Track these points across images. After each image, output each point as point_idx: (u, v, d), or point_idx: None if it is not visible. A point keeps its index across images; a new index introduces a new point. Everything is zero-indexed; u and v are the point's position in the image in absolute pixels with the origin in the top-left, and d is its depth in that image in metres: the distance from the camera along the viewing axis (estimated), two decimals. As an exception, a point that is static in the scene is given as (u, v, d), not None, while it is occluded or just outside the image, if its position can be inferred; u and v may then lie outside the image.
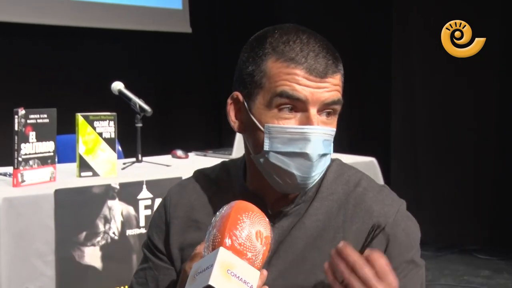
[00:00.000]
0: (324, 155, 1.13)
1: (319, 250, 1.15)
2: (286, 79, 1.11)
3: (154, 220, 1.32)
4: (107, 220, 2.26)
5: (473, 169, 4.65)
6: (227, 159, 1.38)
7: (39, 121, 2.27)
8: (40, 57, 4.64)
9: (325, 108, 1.13)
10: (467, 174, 4.66)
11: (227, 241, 1.00)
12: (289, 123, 1.12)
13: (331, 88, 1.12)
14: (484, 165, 4.64)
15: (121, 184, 2.32)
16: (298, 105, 1.11)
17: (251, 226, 1.03)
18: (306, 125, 1.11)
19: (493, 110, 4.61)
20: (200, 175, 1.31)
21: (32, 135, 2.24)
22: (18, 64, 4.54)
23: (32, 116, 2.24)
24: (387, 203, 1.18)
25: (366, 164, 3.02)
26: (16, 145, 2.20)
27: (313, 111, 1.11)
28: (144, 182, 2.38)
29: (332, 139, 1.15)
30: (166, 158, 3.00)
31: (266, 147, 1.13)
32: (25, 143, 2.21)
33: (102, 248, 2.25)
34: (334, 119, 1.15)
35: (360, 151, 3.29)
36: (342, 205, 1.18)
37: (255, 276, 1.00)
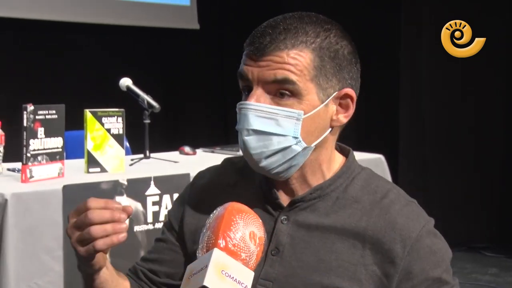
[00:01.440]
0: (261, 132, 1.11)
1: (336, 255, 1.13)
2: (242, 61, 1.14)
3: (176, 199, 1.36)
4: (115, 216, 2.27)
5: (480, 166, 4.65)
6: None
7: (47, 117, 2.27)
8: (49, 53, 4.65)
9: (274, 88, 1.11)
10: (474, 171, 4.65)
11: (221, 242, 1.01)
12: None
13: (273, 66, 1.09)
14: (492, 163, 4.64)
15: (129, 180, 2.32)
16: (250, 86, 1.13)
17: (244, 227, 1.04)
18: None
19: (502, 108, 4.60)
20: (228, 163, 1.32)
21: (40, 131, 2.25)
22: (27, 60, 4.56)
23: (40, 112, 2.25)
24: (412, 218, 1.14)
25: (374, 161, 3.01)
26: (24, 141, 2.20)
27: (256, 90, 1.11)
28: (152, 178, 2.38)
29: (278, 117, 1.10)
30: (174, 155, 3.01)
31: None
32: (33, 139, 2.22)
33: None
34: (292, 101, 1.10)
35: (368, 148, 3.28)
36: (366, 213, 1.15)
37: (249, 276, 1.01)
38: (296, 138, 1.11)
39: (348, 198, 1.17)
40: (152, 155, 2.82)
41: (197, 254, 1.06)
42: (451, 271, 1.16)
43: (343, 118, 1.17)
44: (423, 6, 4.70)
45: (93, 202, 1.06)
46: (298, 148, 1.12)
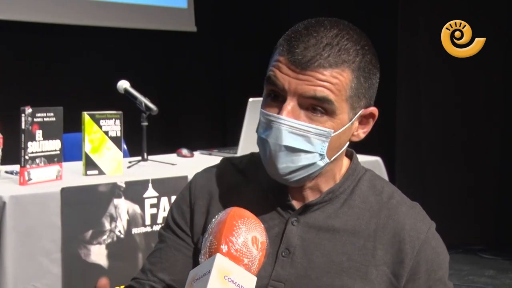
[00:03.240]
0: (292, 148, 1.10)
1: (348, 256, 1.14)
2: (273, 65, 1.12)
3: (177, 202, 1.30)
4: (113, 219, 2.27)
5: (477, 169, 4.65)
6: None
7: (45, 119, 2.28)
8: (47, 56, 4.65)
9: (309, 102, 1.09)
10: (471, 173, 4.66)
11: (224, 248, 1.02)
12: (271, 110, 1.12)
13: (314, 82, 1.08)
14: (489, 165, 4.65)
15: (127, 183, 2.33)
16: (280, 93, 1.11)
17: (247, 232, 1.04)
18: (276, 113, 1.11)
19: (498, 110, 4.61)
20: (228, 163, 1.30)
21: (38, 133, 2.25)
22: (24, 62, 4.56)
23: (38, 114, 2.25)
24: (419, 219, 1.17)
25: (371, 163, 3.02)
26: (23, 143, 2.21)
27: (289, 102, 1.09)
28: (150, 181, 2.39)
29: (310, 135, 1.10)
30: (171, 157, 3.01)
31: (257, 129, 1.16)
32: (31, 141, 2.23)
33: (108, 246, 2.26)
34: (325, 119, 1.10)
35: (365, 150, 3.29)
36: (374, 214, 1.17)
37: (252, 281, 1.01)
38: (322, 155, 1.13)
39: (356, 199, 1.19)
40: (150, 157, 2.82)
41: (199, 260, 1.06)
42: (448, 274, 1.20)
43: (362, 134, 1.20)
44: (420, 8, 4.71)
45: None
46: (321, 164, 1.14)
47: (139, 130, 2.78)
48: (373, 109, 1.17)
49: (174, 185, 2.42)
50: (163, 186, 2.40)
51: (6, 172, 2.43)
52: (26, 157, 2.21)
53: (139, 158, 2.79)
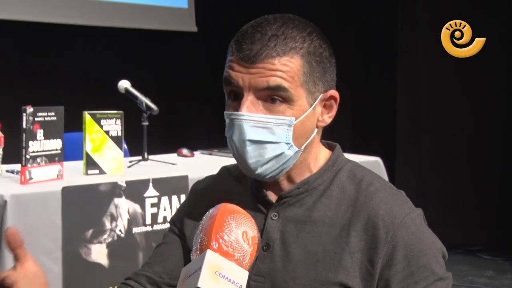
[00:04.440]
0: (256, 142, 1.12)
1: (323, 247, 1.14)
2: (227, 67, 1.16)
3: (181, 205, 1.38)
4: (113, 218, 2.28)
5: (477, 169, 4.66)
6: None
7: (46, 119, 2.28)
8: (48, 55, 4.65)
9: (265, 94, 1.12)
10: (471, 174, 4.66)
11: (214, 244, 1.02)
12: (232, 110, 1.15)
13: (265, 73, 1.10)
14: (489, 165, 4.65)
15: (127, 182, 2.33)
16: (238, 91, 1.14)
17: (237, 228, 1.05)
18: (236, 111, 1.13)
19: (499, 109, 4.61)
20: (225, 171, 1.34)
21: (39, 132, 2.25)
22: (26, 62, 4.56)
23: (40, 114, 2.25)
24: (396, 205, 1.15)
25: (371, 163, 3.03)
26: (24, 142, 2.21)
27: (247, 97, 1.12)
28: (151, 180, 2.39)
29: (272, 126, 1.12)
30: (172, 157, 3.02)
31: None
32: (32, 140, 2.23)
33: (109, 245, 2.27)
34: (284, 107, 1.12)
35: (365, 151, 3.29)
36: (352, 203, 1.17)
37: (243, 276, 1.02)
38: (288, 143, 1.14)
39: (334, 190, 1.19)
40: (151, 157, 2.82)
41: (191, 257, 1.06)
42: (442, 263, 1.15)
43: (328, 118, 1.19)
44: (420, 8, 4.71)
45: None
46: (290, 153, 1.15)
47: (140, 129, 2.79)
48: (333, 92, 1.18)
49: (175, 184, 2.43)
50: (163, 185, 2.41)
51: (7, 171, 2.43)
52: (27, 156, 2.21)
53: (140, 157, 2.79)
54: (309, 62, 1.13)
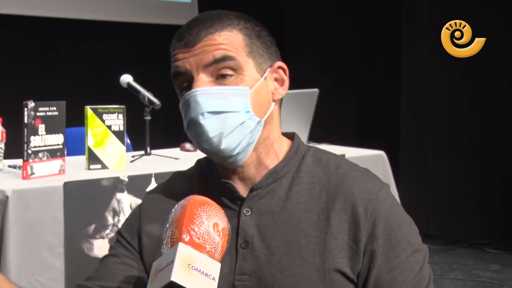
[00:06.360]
0: (215, 112, 1.12)
1: (304, 233, 1.13)
2: (172, 61, 1.18)
3: (127, 219, 1.31)
4: (116, 213, 2.27)
5: (482, 163, 4.64)
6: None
7: (48, 113, 2.27)
8: (50, 50, 4.65)
9: (214, 68, 1.13)
10: (476, 168, 4.65)
11: (186, 236, 1.01)
12: None
13: (209, 49, 1.13)
14: (494, 159, 4.63)
15: (130, 177, 2.32)
16: (188, 80, 1.15)
17: (207, 219, 1.03)
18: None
19: (503, 103, 4.60)
20: (177, 175, 1.34)
21: (41, 127, 2.25)
22: (27, 57, 4.56)
23: (41, 108, 2.25)
24: (369, 181, 1.17)
25: (375, 157, 3.01)
26: (25, 137, 2.20)
27: (197, 77, 1.13)
28: (153, 175, 2.38)
29: (227, 96, 1.12)
30: (174, 151, 3.01)
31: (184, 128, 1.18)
32: (34, 135, 2.22)
33: (111, 240, 2.26)
34: (235, 78, 1.13)
35: (369, 145, 3.28)
36: (324, 186, 1.17)
37: (216, 268, 1.01)
38: (248, 112, 1.14)
39: (303, 176, 1.19)
40: (153, 151, 2.81)
41: (161, 250, 1.04)
42: (416, 233, 1.18)
43: (282, 90, 1.20)
44: (423, 6, 4.70)
45: None
46: (252, 123, 1.14)
47: (142, 124, 2.78)
48: (280, 63, 1.20)
49: (177, 179, 2.41)
50: (166, 180, 2.40)
51: (9, 166, 2.43)
52: (29, 151, 2.20)
53: (142, 152, 2.79)
54: (249, 35, 1.16)
